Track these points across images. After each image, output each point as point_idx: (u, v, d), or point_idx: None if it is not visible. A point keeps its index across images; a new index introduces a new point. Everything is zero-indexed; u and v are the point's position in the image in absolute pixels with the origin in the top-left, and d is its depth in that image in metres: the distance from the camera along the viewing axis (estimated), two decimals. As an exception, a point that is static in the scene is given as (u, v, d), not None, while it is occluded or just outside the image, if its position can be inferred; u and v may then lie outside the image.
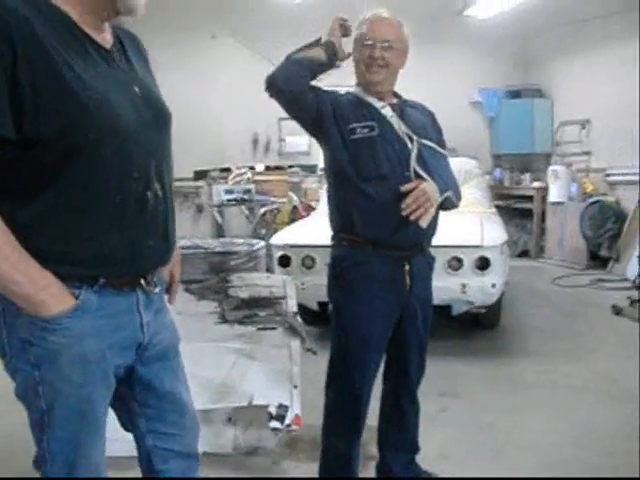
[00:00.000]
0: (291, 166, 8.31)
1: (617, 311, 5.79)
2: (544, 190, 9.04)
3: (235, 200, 7.02)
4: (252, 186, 7.13)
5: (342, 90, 2.52)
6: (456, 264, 4.50)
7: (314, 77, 2.35)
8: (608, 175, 8.43)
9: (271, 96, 2.32)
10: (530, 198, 9.27)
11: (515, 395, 3.92)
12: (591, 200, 8.19)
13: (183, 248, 3.75)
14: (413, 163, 2.33)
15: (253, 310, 3.41)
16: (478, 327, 5.19)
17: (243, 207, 7.51)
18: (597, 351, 4.76)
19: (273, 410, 2.96)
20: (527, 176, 9.58)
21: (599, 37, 8.35)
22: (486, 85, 9.71)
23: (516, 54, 9.88)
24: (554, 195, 8.74)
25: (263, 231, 7.62)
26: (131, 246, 1.48)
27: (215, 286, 3.55)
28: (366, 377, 2.39)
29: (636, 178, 7.84)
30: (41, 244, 1.38)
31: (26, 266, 1.35)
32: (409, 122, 2.41)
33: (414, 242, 2.38)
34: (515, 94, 9.70)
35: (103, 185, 1.41)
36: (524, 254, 9.27)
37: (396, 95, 2.52)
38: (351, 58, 2.43)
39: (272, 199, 7.31)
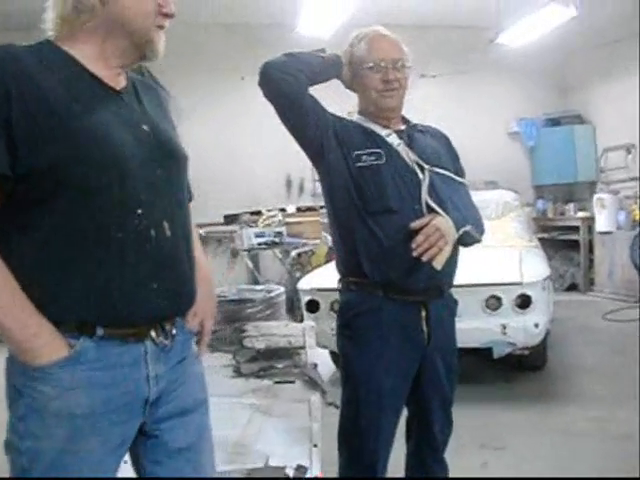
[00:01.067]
0: (323, 206, 8.09)
1: (676, 347, 5.36)
2: (590, 220, 8.64)
3: (266, 244, 6.82)
4: (283, 228, 6.93)
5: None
6: (495, 303, 4.19)
7: (311, 81, 2.11)
8: (657, 201, 8.01)
9: (262, 86, 2.09)
10: (576, 229, 8.88)
11: (564, 446, 3.55)
12: (641, 228, 7.78)
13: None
14: (424, 195, 2.07)
15: (270, 362, 3.15)
16: (522, 370, 4.83)
17: (276, 250, 7.30)
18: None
19: (291, 472, 2.68)
20: (571, 206, 9.21)
21: (636, 57, 8.00)
22: (524, 114, 9.43)
23: (552, 81, 9.59)
24: (601, 224, 8.34)
25: (298, 274, 7.41)
26: (132, 287, 1.38)
27: (229, 336, 3.31)
28: (380, 440, 2.11)
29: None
30: (37, 283, 1.33)
31: (18, 311, 1.30)
32: (419, 149, 2.16)
33: (430, 285, 2.10)
34: (554, 122, 9.39)
35: (102, 220, 1.35)
36: (572, 288, 8.84)
37: (404, 120, 2.28)
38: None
39: (304, 241, 7.10)
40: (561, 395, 4.41)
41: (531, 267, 4.52)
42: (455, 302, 2.27)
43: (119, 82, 1.47)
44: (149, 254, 1.39)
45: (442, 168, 2.17)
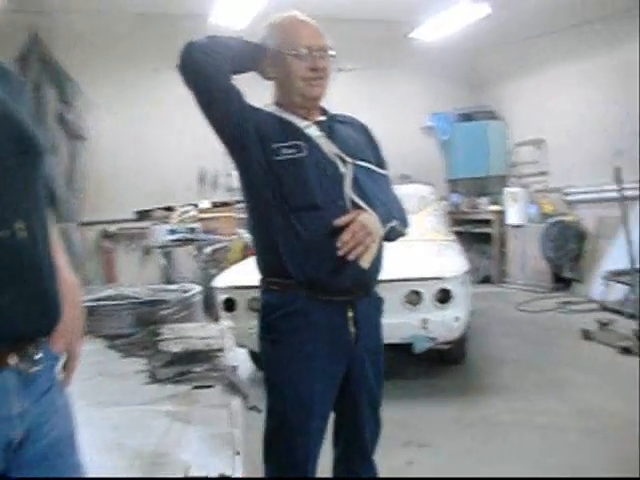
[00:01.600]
0: (239, 201, 7.92)
1: (587, 336, 5.50)
2: (502, 213, 8.82)
3: (179, 240, 6.60)
4: (197, 224, 6.72)
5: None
6: (415, 298, 4.15)
7: (235, 67, 1.95)
8: (566, 194, 8.25)
9: (183, 68, 1.91)
10: (488, 222, 9.04)
11: (490, 440, 3.54)
12: (551, 221, 7.99)
13: (106, 299, 3.33)
14: (348, 190, 1.95)
15: (187, 366, 2.98)
16: (443, 364, 4.82)
17: (190, 247, 7.07)
18: (572, 382, 4.43)
19: (213, 482, 2.53)
20: (484, 200, 9.36)
21: (548, 55, 8.23)
22: (438, 109, 9.52)
23: (466, 76, 9.73)
24: (513, 218, 8.52)
25: (213, 271, 7.21)
26: None
27: (143, 340, 3.12)
28: (310, 447, 1.99)
29: (595, 196, 7.68)
30: None
31: None
32: (340, 141, 2.03)
33: (357, 284, 1.98)
34: (467, 117, 9.52)
35: None
36: (486, 280, 8.99)
37: (323, 111, 2.14)
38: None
39: (220, 237, 6.91)
40: (482, 388, 4.42)
41: (450, 262, 4.52)
42: (381, 300, 2.17)
43: None
44: (0, 261, 1.14)
45: (364, 160, 2.05)
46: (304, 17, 2.06)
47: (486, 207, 9.22)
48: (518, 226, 8.46)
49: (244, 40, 2.02)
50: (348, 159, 1.99)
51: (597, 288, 6.94)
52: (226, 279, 4.61)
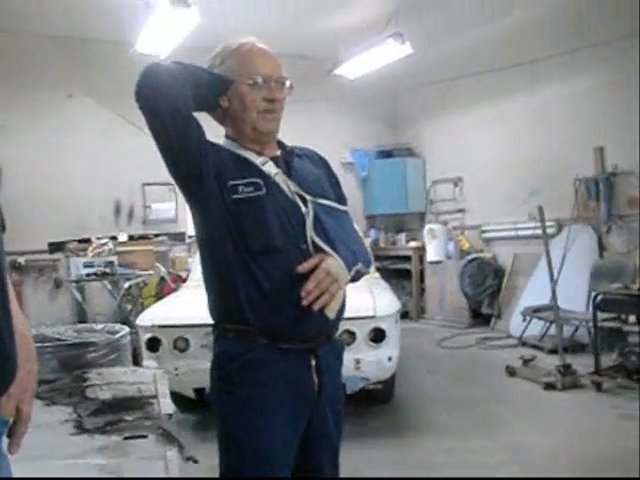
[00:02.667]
0: (157, 235, 7.69)
1: (511, 372, 5.57)
2: (421, 249, 8.94)
3: (95, 274, 6.28)
4: (114, 258, 6.43)
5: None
6: (348, 338, 4.08)
7: (195, 101, 1.80)
8: (483, 232, 8.45)
9: (142, 91, 1.71)
10: (407, 258, 9.16)
11: (428, 483, 3.48)
12: (469, 257, 8.17)
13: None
14: (310, 231, 1.84)
15: (117, 414, 2.78)
16: (372, 403, 4.75)
17: (105, 282, 6.77)
18: (501, 420, 4.45)
19: (147, 543, 2.35)
20: (403, 236, 9.49)
21: (466, 97, 8.49)
22: (358, 145, 9.63)
23: (386, 114, 9.91)
24: (432, 254, 8.65)
25: (129, 306, 6.94)
26: None
27: (69, 387, 2.90)
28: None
29: (510, 234, 7.90)
30: None
31: None
32: (299, 178, 1.91)
33: (320, 331, 1.87)
34: (387, 154, 9.68)
35: None
36: (405, 315, 9.03)
37: (280, 144, 2.02)
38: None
39: (137, 271, 6.64)
40: (413, 427, 4.37)
41: (383, 300, 4.47)
42: (342, 346, 2.07)
43: None
44: None
45: (325, 198, 1.95)
46: (262, 44, 1.96)
47: (405, 243, 9.33)
48: (437, 262, 8.58)
49: (211, 72, 1.90)
50: (309, 197, 1.89)
51: (515, 324, 7.09)
52: (150, 317, 4.39)
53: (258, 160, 1.90)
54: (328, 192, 1.99)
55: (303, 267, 1.76)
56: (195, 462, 2.84)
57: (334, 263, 1.79)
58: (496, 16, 7.63)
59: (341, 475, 2.12)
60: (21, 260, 7.59)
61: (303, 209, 1.87)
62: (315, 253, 1.81)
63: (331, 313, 1.77)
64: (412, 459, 3.80)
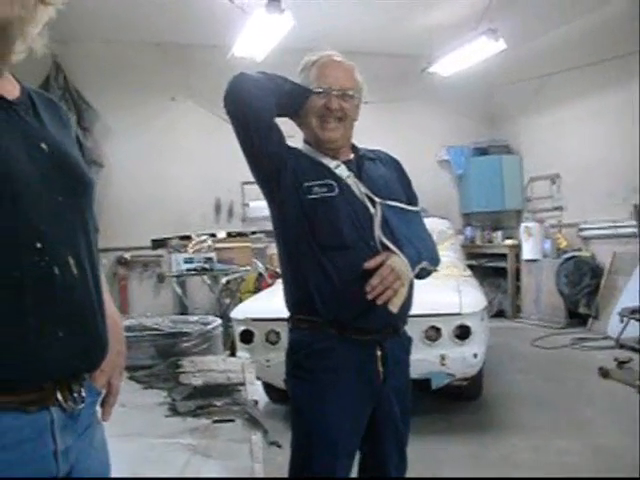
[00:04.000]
0: (254, 232, 7.95)
1: (604, 374, 5.44)
2: (517, 247, 8.81)
3: (195, 270, 6.60)
4: (213, 254, 6.73)
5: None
6: (434, 334, 4.14)
7: (278, 109, 1.97)
8: (581, 230, 8.23)
9: (230, 97, 1.92)
10: (503, 256, 9.03)
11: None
12: (566, 256, 7.97)
13: (128, 329, 3.34)
14: (377, 231, 1.96)
15: (208, 399, 2.98)
16: (459, 399, 4.79)
17: (205, 277, 7.09)
18: (591, 421, 4.38)
19: (232, 518, 2.52)
20: (499, 234, 9.37)
21: (564, 92, 8.28)
22: (453, 143, 9.57)
23: (482, 111, 9.80)
24: (528, 252, 8.50)
25: (227, 301, 7.22)
26: (33, 339, 1.09)
27: (164, 372, 3.12)
28: (336, 485, 1.97)
29: (610, 232, 7.67)
30: None
31: None
32: (369, 181, 2.04)
33: (386, 325, 1.99)
34: (483, 151, 9.56)
35: None
36: (500, 314, 8.95)
37: (354, 148, 2.16)
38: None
39: (235, 267, 6.91)
40: (499, 425, 4.38)
41: (469, 297, 4.50)
42: (409, 339, 2.17)
43: (5, 88, 1.21)
44: (53, 298, 1.13)
45: (394, 199, 2.06)
46: (339, 58, 2.09)
47: (501, 241, 9.22)
48: (533, 261, 8.43)
49: (293, 82, 2.05)
50: (377, 199, 2.00)
51: (613, 325, 6.89)
52: (244, 311, 4.60)
53: (332, 164, 2.04)
54: (398, 193, 2.11)
55: (369, 264, 1.88)
56: (279, 446, 2.99)
57: (398, 261, 1.90)
58: (590, 9, 7.45)
59: (413, 467, 2.21)
60: (127, 256, 8.05)
61: (372, 210, 1.99)
62: (382, 251, 1.92)
63: (394, 308, 1.87)
64: (494, 456, 3.82)
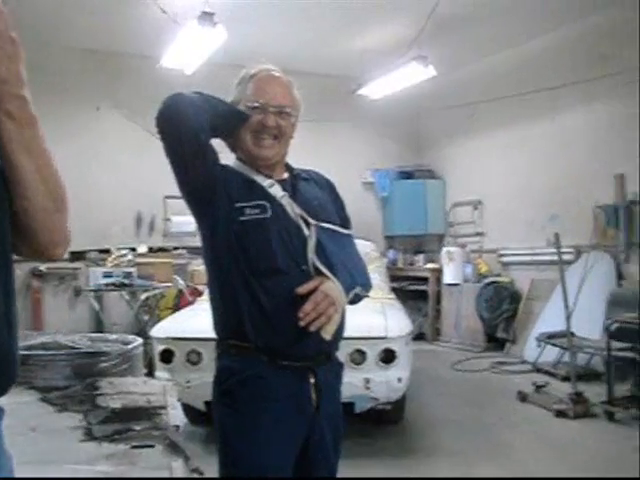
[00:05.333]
0: (176, 247, 7.77)
1: (523, 398, 5.55)
2: (439, 271, 8.94)
3: (114, 285, 6.38)
4: (133, 269, 6.52)
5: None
6: (359, 357, 4.12)
7: (214, 130, 1.88)
8: (501, 256, 8.44)
9: (163, 116, 1.81)
10: (425, 280, 9.15)
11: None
12: (486, 281, 8.15)
13: (42, 347, 3.16)
14: (311, 254, 1.88)
15: (126, 424, 2.83)
16: (382, 423, 4.76)
17: (124, 292, 6.85)
18: (511, 447, 4.43)
19: None
20: (421, 257, 9.50)
21: (489, 121, 8.52)
22: (379, 165, 9.68)
23: (408, 135, 9.97)
24: (449, 276, 8.65)
25: (146, 318, 7.01)
26: None
27: (80, 394, 2.95)
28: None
29: (528, 259, 7.88)
30: None
31: None
32: (304, 201, 1.97)
33: (319, 350, 1.92)
34: (408, 175, 9.71)
35: None
36: (420, 337, 9.03)
37: (288, 167, 2.09)
38: None
39: (155, 283, 6.72)
40: (422, 449, 4.38)
41: (394, 321, 4.50)
42: (341, 365, 2.11)
43: None
44: None
45: (328, 221, 1.99)
46: (278, 73, 2.02)
47: (423, 265, 9.34)
48: (454, 285, 8.58)
49: (230, 105, 1.97)
50: (312, 221, 1.93)
51: (530, 349, 7.05)
52: (164, 329, 4.45)
53: (265, 182, 1.96)
54: (332, 215, 2.04)
55: (302, 289, 1.81)
56: (200, 474, 2.86)
57: (333, 286, 1.84)
58: (518, 42, 7.70)
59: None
60: (42, 267, 7.70)
61: (306, 232, 1.91)
62: (316, 275, 1.86)
63: (327, 335, 1.82)
64: (416, 481, 3.81)
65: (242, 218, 1.87)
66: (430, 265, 9.16)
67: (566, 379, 5.87)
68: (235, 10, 6.32)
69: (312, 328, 1.78)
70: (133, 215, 8.44)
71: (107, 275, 6.42)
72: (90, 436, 2.81)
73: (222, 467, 1.91)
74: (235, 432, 1.86)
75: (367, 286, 2.09)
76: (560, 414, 5.03)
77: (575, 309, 5.89)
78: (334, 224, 2.02)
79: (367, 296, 2.11)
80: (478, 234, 8.92)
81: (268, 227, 1.88)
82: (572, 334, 5.58)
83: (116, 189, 8.13)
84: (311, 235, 1.91)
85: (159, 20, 6.16)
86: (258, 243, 1.86)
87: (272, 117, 1.94)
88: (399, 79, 7.56)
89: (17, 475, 1.32)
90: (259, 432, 1.83)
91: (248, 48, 7.18)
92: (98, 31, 7.28)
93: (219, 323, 1.98)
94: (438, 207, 9.54)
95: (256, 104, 1.94)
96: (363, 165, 9.64)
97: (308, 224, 1.93)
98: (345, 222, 2.13)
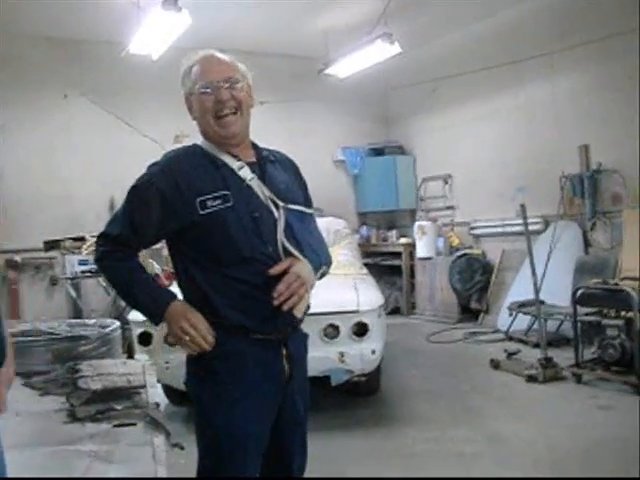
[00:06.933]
0: (151, 232, 7.78)
1: (495, 365, 5.72)
2: (411, 246, 9.07)
3: (90, 272, 6.43)
4: (109, 255, 6.55)
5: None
6: (332, 332, 4.23)
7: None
8: (472, 228, 8.58)
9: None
10: (398, 254, 9.28)
11: (407, 470, 3.61)
12: (458, 254, 8.29)
13: (22, 334, 3.23)
14: (281, 236, 1.95)
15: (108, 404, 2.93)
16: (358, 395, 4.90)
17: (100, 279, 6.89)
18: (482, 411, 4.59)
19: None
20: (394, 233, 9.62)
21: (456, 95, 8.62)
22: (349, 143, 9.75)
23: (377, 112, 10.05)
24: (422, 250, 8.78)
25: (123, 303, 7.04)
26: None
27: (62, 378, 3.03)
28: (247, 483, 1.98)
29: (498, 230, 8.03)
30: None
31: None
32: (273, 184, 2.02)
33: (289, 325, 2.01)
34: (378, 152, 9.78)
35: None
36: (396, 311, 9.20)
37: (254, 146, 2.12)
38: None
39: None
40: (397, 418, 4.52)
41: (366, 295, 4.60)
42: (306, 336, 2.19)
43: None
44: None
45: (295, 202, 2.06)
46: (218, 54, 2.05)
47: (395, 240, 9.46)
48: (427, 258, 8.72)
49: (151, 295, 2.03)
50: (281, 203, 1.99)
51: (502, 319, 7.23)
52: (142, 312, 4.52)
53: (235, 165, 1.99)
54: (297, 196, 2.10)
55: (274, 270, 1.89)
56: (182, 448, 2.98)
57: (303, 267, 1.93)
58: (482, 16, 7.79)
59: (315, 463, 2.25)
60: (17, 258, 7.70)
61: (275, 214, 1.98)
62: (285, 257, 1.95)
63: (299, 313, 1.93)
64: (392, 448, 3.95)
65: (205, 211, 1.89)
66: (403, 240, 9.29)
67: (537, 346, 6.03)
68: (199, -6, 6.34)
69: (285, 307, 1.87)
70: (107, 201, 8.42)
71: (83, 262, 6.46)
72: (73, 417, 2.90)
73: (200, 439, 2.00)
74: (212, 405, 1.95)
75: (329, 261, 2.19)
76: (531, 379, 5.20)
77: (545, 277, 6.08)
78: (299, 205, 2.09)
79: (328, 273, 2.20)
80: (449, 208, 9.06)
81: (230, 217, 1.91)
82: (542, 302, 5.75)
83: (88, 177, 8.11)
84: (280, 217, 1.97)
85: (124, 6, 6.16)
86: (222, 236, 1.91)
87: (224, 91, 1.96)
88: (365, 57, 7.60)
89: (6, 457, 1.41)
90: (234, 404, 1.92)
91: (214, 32, 7.24)
92: (63, 19, 7.23)
93: (192, 303, 2.03)
94: (409, 182, 9.64)
95: (207, 88, 1.96)
96: (334, 144, 9.70)
97: (277, 206, 1.99)
98: (308, 202, 2.21)
